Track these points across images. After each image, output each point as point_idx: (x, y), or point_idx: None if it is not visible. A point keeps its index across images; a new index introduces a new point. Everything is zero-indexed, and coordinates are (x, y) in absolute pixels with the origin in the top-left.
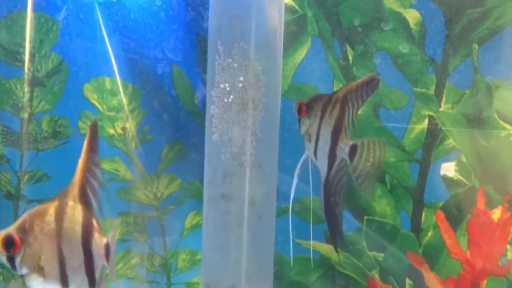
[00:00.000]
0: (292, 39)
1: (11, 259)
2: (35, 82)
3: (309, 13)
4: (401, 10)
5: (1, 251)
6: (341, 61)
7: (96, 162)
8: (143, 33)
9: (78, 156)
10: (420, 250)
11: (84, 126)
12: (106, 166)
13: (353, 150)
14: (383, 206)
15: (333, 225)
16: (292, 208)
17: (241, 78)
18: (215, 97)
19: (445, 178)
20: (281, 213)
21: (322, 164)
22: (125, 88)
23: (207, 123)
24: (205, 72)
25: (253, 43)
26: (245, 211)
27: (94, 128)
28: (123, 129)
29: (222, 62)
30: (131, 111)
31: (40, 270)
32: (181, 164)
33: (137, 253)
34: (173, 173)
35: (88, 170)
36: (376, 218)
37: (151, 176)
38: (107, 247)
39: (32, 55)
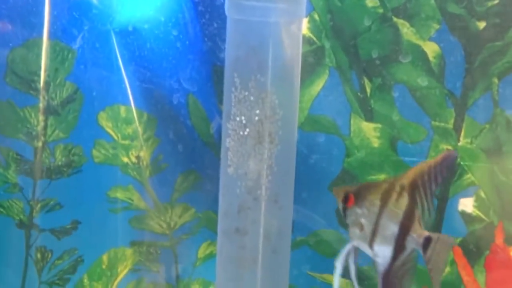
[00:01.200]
0: (310, 71)
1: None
2: (49, 111)
3: (327, 45)
4: (420, 42)
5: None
6: (359, 93)
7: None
8: (159, 63)
9: (92, 185)
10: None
11: (98, 155)
12: (119, 194)
13: (427, 241)
14: None
15: None
16: (307, 241)
17: (258, 111)
18: (231, 130)
19: (463, 213)
20: (296, 246)
21: (383, 255)
22: (140, 116)
23: (222, 156)
24: (221, 102)
25: (270, 76)
26: (259, 246)
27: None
28: (138, 157)
29: (238, 95)
30: (146, 140)
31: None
32: (195, 194)
33: (149, 283)
34: (187, 202)
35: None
36: None
37: (165, 205)
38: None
39: (47, 84)
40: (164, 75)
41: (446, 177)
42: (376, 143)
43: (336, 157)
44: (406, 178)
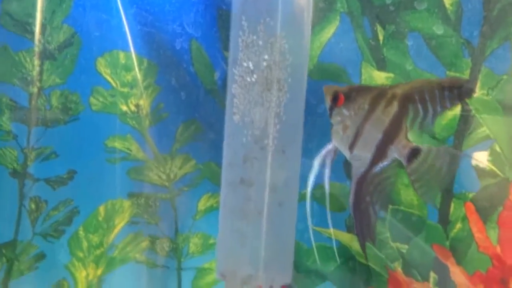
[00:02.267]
0: (320, 16)
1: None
2: (45, 55)
3: None
4: None
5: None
6: (371, 41)
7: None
8: (162, 6)
9: (89, 134)
10: (447, 243)
11: (96, 102)
12: (117, 144)
13: (414, 153)
14: (409, 195)
15: (362, 223)
16: (313, 194)
17: (266, 57)
18: (237, 76)
19: (476, 168)
20: (302, 199)
21: (361, 158)
22: (140, 63)
23: (227, 103)
24: (226, 48)
25: (280, 19)
26: (265, 198)
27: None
28: (137, 106)
29: (246, 39)
30: (146, 88)
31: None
32: (197, 144)
33: (147, 236)
34: (188, 153)
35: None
36: (402, 208)
37: (165, 156)
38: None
39: (43, 27)
40: (167, 18)
41: (455, 103)
42: None
43: None
44: (401, 88)
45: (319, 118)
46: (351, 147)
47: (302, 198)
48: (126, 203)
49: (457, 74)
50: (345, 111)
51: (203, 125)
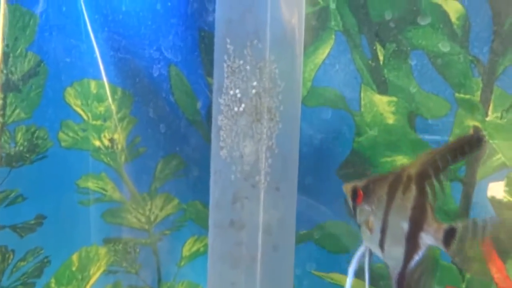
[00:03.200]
0: (313, 36)
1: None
2: (8, 87)
3: (332, 5)
4: (440, 1)
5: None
6: (370, 61)
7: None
8: (136, 29)
9: (59, 173)
10: (463, 286)
11: (66, 138)
12: (90, 184)
13: (450, 234)
14: None
15: None
16: (312, 235)
17: (255, 83)
18: (223, 106)
19: (493, 200)
20: (299, 240)
21: (395, 256)
22: (113, 92)
23: (213, 136)
24: (209, 74)
25: (269, 41)
26: (258, 241)
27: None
28: (111, 140)
29: (231, 64)
30: (121, 120)
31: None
32: (179, 182)
33: (127, 287)
34: (169, 192)
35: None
36: None
37: (143, 195)
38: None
39: (6, 55)
40: (142, 42)
41: (466, 156)
42: (391, 119)
43: (344, 136)
44: (413, 167)
45: (315, 149)
46: (381, 245)
47: (299, 240)
48: (102, 250)
49: (467, 96)
50: (366, 207)
51: (185, 161)
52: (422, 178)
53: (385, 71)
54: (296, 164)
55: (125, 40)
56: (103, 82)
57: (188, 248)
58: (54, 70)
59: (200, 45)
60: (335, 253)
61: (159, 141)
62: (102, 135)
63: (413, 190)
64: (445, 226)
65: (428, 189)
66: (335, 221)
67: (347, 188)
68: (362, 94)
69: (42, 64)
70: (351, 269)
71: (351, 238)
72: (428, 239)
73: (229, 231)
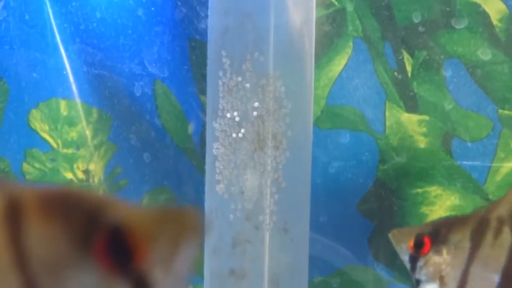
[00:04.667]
0: (327, 44)
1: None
2: None
3: (350, 7)
4: (479, 0)
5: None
6: (396, 73)
7: None
8: (114, 40)
9: None
10: None
11: (31, 170)
12: None
13: None
14: None
15: None
16: (330, 284)
17: (256, 104)
18: (219, 131)
19: None
20: None
21: None
22: (88, 115)
23: (207, 168)
24: (202, 93)
25: (273, 53)
26: None
27: None
28: (86, 172)
29: (228, 82)
30: (97, 147)
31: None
32: None
33: None
34: None
35: None
36: None
37: None
38: None
39: None
40: (121, 56)
41: None
42: (422, 142)
43: (366, 164)
44: (505, 206)
45: (331, 181)
46: None
47: None
48: None
49: None
50: (437, 258)
51: (175, 195)
52: None
53: (414, 84)
54: (307, 200)
55: (100, 53)
56: (75, 102)
57: None
58: (16, 89)
59: (191, 57)
60: None
61: (143, 172)
62: (75, 166)
63: (507, 235)
64: None
65: None
66: (357, 266)
67: (400, 236)
68: (386, 113)
69: (2, 82)
70: None
71: (376, 286)
72: None
73: (229, 281)
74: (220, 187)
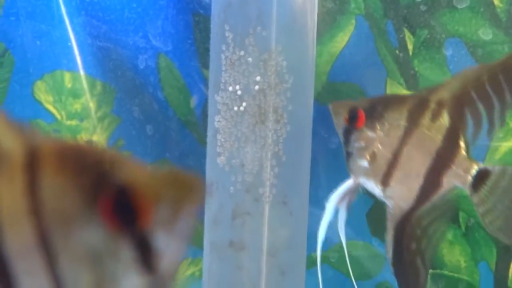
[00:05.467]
0: (329, 21)
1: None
2: None
3: None
4: None
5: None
6: (397, 51)
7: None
8: (119, 13)
9: None
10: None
11: None
12: None
13: (481, 177)
14: (455, 255)
15: (408, 281)
16: (327, 258)
17: (258, 78)
18: (221, 104)
19: None
20: (312, 264)
21: (402, 195)
22: (92, 87)
23: (209, 141)
24: (205, 66)
25: (275, 28)
26: (262, 265)
27: None
28: (89, 143)
29: (231, 55)
30: (101, 119)
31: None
32: None
33: None
34: None
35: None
36: (446, 273)
37: None
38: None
39: None
40: (126, 29)
41: None
42: None
43: None
44: (448, 90)
45: (331, 156)
46: (385, 181)
47: (311, 263)
48: None
49: None
50: (370, 133)
51: (177, 168)
52: (459, 104)
53: (415, 62)
54: (307, 174)
55: (105, 26)
56: (80, 74)
57: (181, 272)
58: (21, 60)
59: (194, 31)
60: (354, 279)
61: (146, 145)
62: (78, 138)
63: (445, 118)
64: (477, 166)
65: (468, 118)
66: (355, 242)
67: (338, 107)
68: (387, 90)
69: (8, 53)
70: (332, 204)
71: (375, 262)
72: (455, 178)
73: (228, 252)
74: (221, 160)
